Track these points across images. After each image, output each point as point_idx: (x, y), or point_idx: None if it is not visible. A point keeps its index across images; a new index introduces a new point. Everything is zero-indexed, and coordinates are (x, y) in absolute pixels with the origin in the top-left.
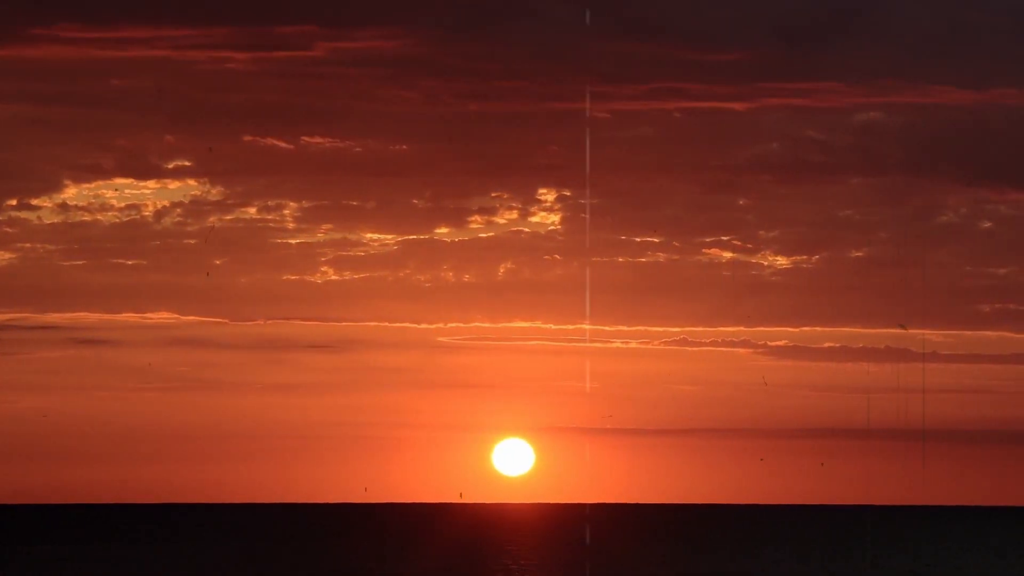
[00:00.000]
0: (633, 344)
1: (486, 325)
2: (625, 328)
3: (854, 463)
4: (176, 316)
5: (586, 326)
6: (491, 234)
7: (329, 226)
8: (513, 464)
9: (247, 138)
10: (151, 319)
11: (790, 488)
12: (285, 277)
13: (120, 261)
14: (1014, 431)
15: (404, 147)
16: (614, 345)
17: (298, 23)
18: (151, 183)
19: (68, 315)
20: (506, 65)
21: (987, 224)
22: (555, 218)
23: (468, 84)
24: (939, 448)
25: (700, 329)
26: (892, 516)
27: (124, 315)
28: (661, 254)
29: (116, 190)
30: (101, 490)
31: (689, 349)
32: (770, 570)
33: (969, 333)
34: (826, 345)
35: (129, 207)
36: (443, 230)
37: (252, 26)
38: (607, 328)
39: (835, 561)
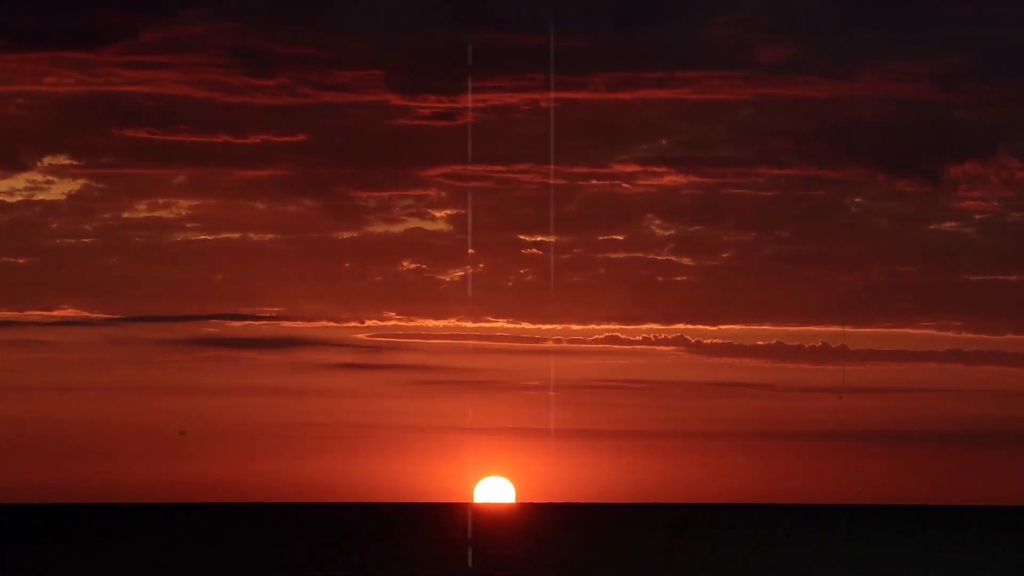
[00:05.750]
0: (565, 343)
1: (403, 323)
2: (544, 327)
3: (815, 463)
4: (85, 314)
5: (505, 324)
6: (387, 230)
7: (224, 224)
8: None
9: (115, 131)
10: (56, 316)
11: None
12: (187, 275)
13: (10, 260)
14: (976, 431)
15: (282, 140)
16: (546, 344)
17: (113, 9)
18: (32, 178)
19: None
20: (351, 54)
21: (884, 221)
22: (449, 214)
23: (319, 75)
24: (899, 449)
25: (619, 327)
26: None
27: (29, 312)
28: (562, 253)
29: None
30: (81, 490)
31: (623, 348)
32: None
33: (894, 331)
34: (760, 343)
35: (16, 204)
36: (339, 228)
37: (75, 18)
38: (527, 326)
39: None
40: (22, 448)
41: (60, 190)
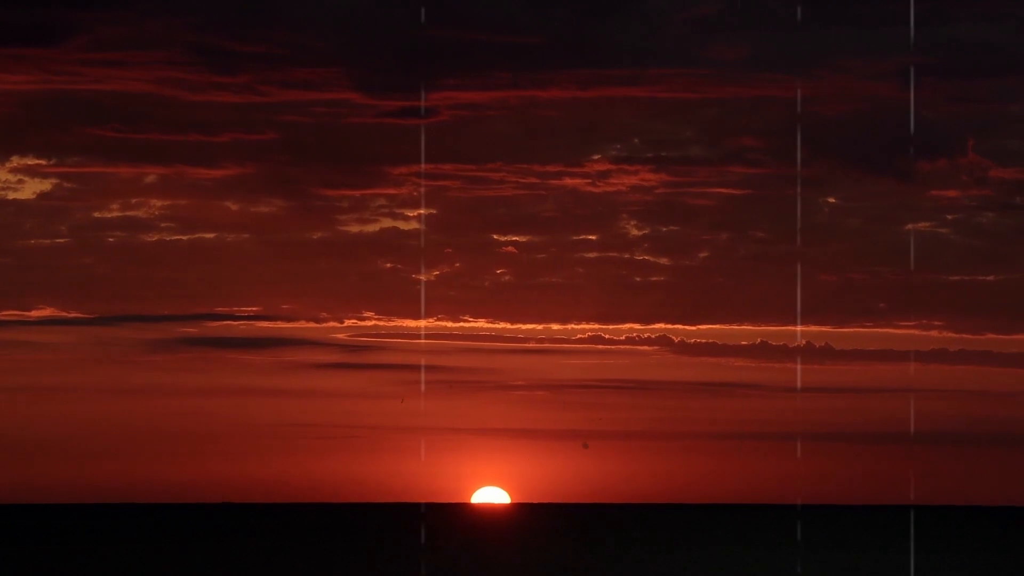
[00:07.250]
0: (548, 343)
1: (382, 323)
2: (524, 327)
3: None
4: (63, 314)
5: (485, 323)
6: (361, 230)
7: (198, 224)
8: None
9: (84, 130)
10: (34, 316)
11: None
12: (163, 275)
13: None
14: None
15: (252, 138)
16: (529, 344)
17: (70, 6)
18: (3, 178)
19: None
20: (312, 52)
21: (858, 220)
22: (422, 214)
23: (281, 73)
24: (875, 449)
25: (601, 327)
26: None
27: (6, 312)
28: (537, 253)
29: None
30: (64, 491)
31: (608, 348)
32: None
33: (876, 331)
34: (744, 343)
35: None
36: (312, 228)
37: (31, 15)
38: (508, 325)
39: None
40: (3, 448)
41: (31, 190)
